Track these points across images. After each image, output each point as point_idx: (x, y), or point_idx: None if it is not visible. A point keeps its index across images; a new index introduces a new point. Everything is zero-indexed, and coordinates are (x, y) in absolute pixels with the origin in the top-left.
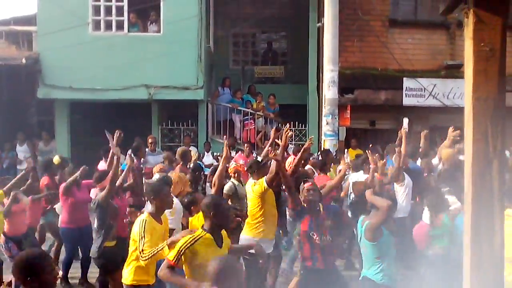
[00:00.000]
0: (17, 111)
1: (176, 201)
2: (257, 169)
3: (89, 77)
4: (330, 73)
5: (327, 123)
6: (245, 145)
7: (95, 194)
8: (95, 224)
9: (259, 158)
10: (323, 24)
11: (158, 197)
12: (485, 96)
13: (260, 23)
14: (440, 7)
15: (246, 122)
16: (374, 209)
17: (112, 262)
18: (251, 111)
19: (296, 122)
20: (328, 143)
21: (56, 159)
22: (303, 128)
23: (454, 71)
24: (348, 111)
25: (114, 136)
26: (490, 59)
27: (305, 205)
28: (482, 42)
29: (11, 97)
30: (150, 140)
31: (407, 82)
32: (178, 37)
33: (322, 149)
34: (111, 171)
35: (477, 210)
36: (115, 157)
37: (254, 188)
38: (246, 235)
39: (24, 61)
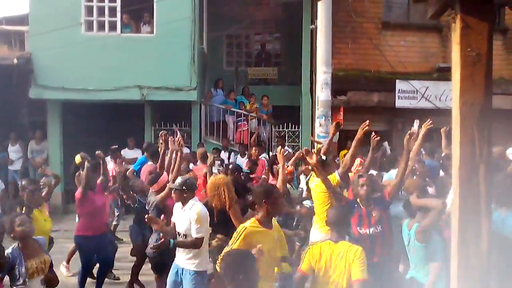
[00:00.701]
0: (9, 112)
1: (201, 207)
2: (323, 167)
3: (82, 78)
4: (323, 75)
5: (320, 125)
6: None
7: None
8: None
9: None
10: (316, 26)
11: (269, 200)
12: (472, 101)
13: (253, 25)
14: (429, 11)
15: (240, 123)
16: (422, 211)
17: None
18: (245, 112)
19: (290, 124)
20: (321, 145)
21: (77, 158)
22: (296, 129)
23: (446, 73)
24: (341, 113)
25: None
26: (476, 64)
27: (358, 199)
28: (469, 47)
29: (2, 97)
30: (160, 141)
31: (399, 84)
32: (171, 38)
33: (316, 150)
34: (174, 171)
35: (464, 214)
36: (178, 157)
37: (321, 185)
38: (320, 233)
39: (15, 61)
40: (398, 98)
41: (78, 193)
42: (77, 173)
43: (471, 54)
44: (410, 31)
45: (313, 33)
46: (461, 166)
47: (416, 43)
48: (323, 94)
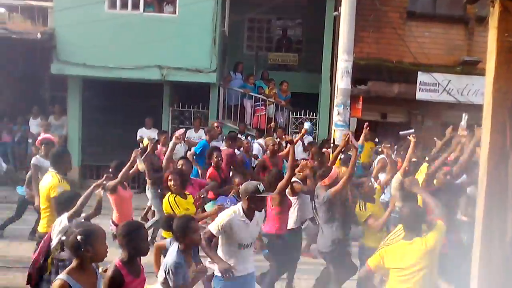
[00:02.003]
0: (31, 86)
1: None
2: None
3: (103, 55)
4: (344, 63)
5: (338, 113)
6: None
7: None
8: (320, 219)
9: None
10: (339, 13)
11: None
12: (506, 88)
13: (276, 9)
14: None
15: (257, 108)
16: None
17: None
18: (263, 97)
19: (307, 111)
20: (338, 134)
21: (145, 141)
22: (313, 117)
23: (470, 67)
24: (360, 102)
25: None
26: None
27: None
28: (507, 32)
29: (25, 72)
30: (216, 125)
31: (421, 76)
32: (193, 20)
33: (332, 139)
34: (349, 168)
35: (489, 202)
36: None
37: None
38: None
39: (39, 36)
40: (419, 90)
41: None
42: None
43: (509, 40)
44: (436, 22)
45: (336, 20)
46: (490, 154)
47: (441, 35)
48: (343, 82)
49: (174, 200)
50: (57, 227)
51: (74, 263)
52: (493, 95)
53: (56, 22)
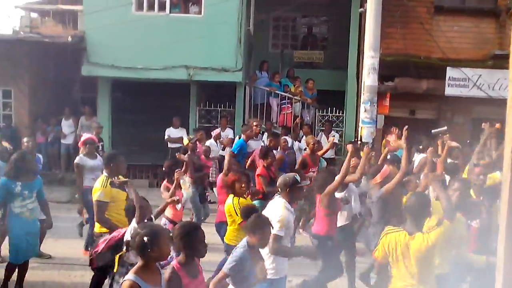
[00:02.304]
0: (63, 88)
1: None
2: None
3: (131, 56)
4: (370, 60)
5: (365, 110)
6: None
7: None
8: (373, 218)
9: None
10: (365, 9)
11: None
12: None
13: (301, 7)
14: None
15: (283, 106)
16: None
17: None
18: (289, 95)
19: (334, 108)
20: (365, 131)
21: (185, 141)
22: (340, 114)
23: (502, 61)
24: (388, 99)
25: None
26: None
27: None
28: None
29: (57, 74)
30: (255, 124)
31: (450, 72)
32: (218, 19)
33: (359, 136)
34: (403, 166)
35: None
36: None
37: None
38: None
39: (70, 39)
40: (448, 86)
41: (220, 181)
42: (186, 155)
43: None
44: (465, 15)
45: (362, 16)
46: None
47: (470, 29)
48: (369, 79)
49: (238, 202)
50: (128, 234)
51: (140, 263)
52: None
53: (86, 25)
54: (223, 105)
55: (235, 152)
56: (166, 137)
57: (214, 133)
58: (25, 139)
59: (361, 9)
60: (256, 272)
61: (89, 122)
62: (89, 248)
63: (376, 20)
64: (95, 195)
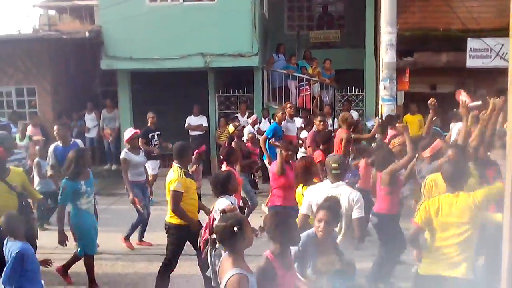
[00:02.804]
0: (83, 82)
1: None
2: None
3: (148, 48)
4: (388, 36)
5: (384, 88)
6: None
7: None
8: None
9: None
10: None
11: None
12: None
13: None
14: None
15: (302, 88)
16: None
17: None
18: (307, 77)
19: (353, 87)
20: (385, 108)
21: (231, 128)
22: (359, 93)
23: None
24: (407, 75)
25: None
26: None
27: None
28: None
29: (77, 69)
30: (288, 106)
31: (471, 43)
32: (232, 4)
33: (380, 114)
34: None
35: None
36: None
37: None
38: None
39: (87, 34)
40: (470, 58)
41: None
42: (233, 142)
43: None
44: None
45: None
46: None
47: None
48: (387, 55)
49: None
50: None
51: (234, 254)
52: None
53: (102, 20)
54: (242, 90)
55: (269, 137)
56: (186, 125)
57: (251, 119)
58: (55, 127)
59: None
60: (321, 263)
61: (111, 115)
62: (128, 239)
63: None
64: (172, 186)
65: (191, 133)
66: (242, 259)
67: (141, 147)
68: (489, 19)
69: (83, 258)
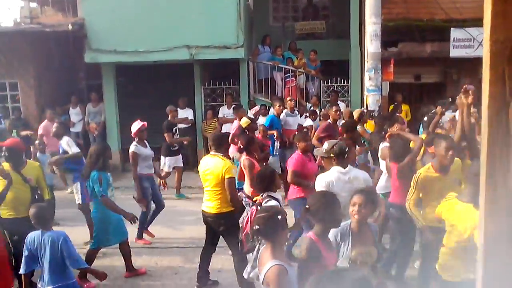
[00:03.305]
0: (67, 76)
1: None
2: None
3: (132, 40)
4: (372, 26)
5: (369, 78)
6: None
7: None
8: None
9: None
10: None
11: None
12: (503, 38)
13: None
14: None
15: (288, 79)
16: None
17: None
18: (292, 68)
19: (339, 78)
20: (371, 99)
21: (244, 122)
22: (345, 84)
23: None
24: (392, 65)
25: None
26: (508, 0)
27: None
28: None
29: (60, 63)
30: (289, 98)
31: (454, 33)
32: None
33: (365, 105)
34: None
35: (492, 150)
36: None
37: None
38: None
39: (70, 27)
40: (453, 48)
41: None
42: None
43: None
44: None
45: None
46: (490, 103)
47: None
48: (372, 46)
49: None
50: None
51: (274, 245)
52: (490, 46)
53: (85, 12)
54: (227, 82)
55: (266, 126)
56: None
57: (253, 110)
58: (54, 125)
59: None
60: (358, 253)
61: (96, 109)
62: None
63: None
64: (233, 172)
65: (177, 126)
66: (282, 251)
67: (169, 140)
68: (472, 9)
69: (120, 247)
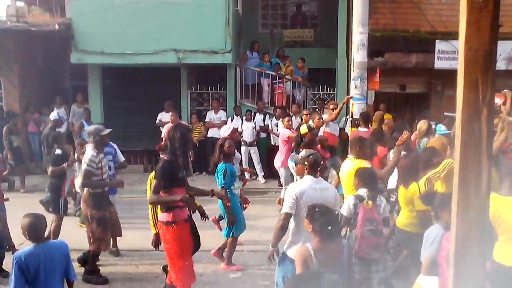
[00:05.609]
0: (53, 76)
1: None
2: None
3: (120, 42)
4: (359, 36)
5: (355, 87)
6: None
7: None
8: None
9: None
10: None
11: None
12: (476, 46)
13: None
14: None
15: (275, 86)
16: None
17: None
18: (280, 74)
19: (325, 86)
20: (356, 107)
21: (303, 129)
22: (331, 92)
23: None
24: (378, 75)
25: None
26: (482, 11)
27: None
28: None
29: (46, 63)
30: (305, 112)
31: (439, 45)
32: (206, 1)
33: (351, 113)
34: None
35: (465, 156)
36: None
37: None
38: None
39: (57, 27)
40: (438, 59)
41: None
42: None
43: (478, 0)
44: None
45: None
46: (464, 109)
47: (458, 0)
48: (359, 55)
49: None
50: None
51: (319, 237)
52: (464, 54)
53: (72, 12)
54: (214, 87)
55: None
56: (157, 121)
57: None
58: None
59: None
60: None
61: (81, 110)
62: None
63: None
64: None
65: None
66: (324, 243)
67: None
68: (456, 23)
69: (231, 239)
